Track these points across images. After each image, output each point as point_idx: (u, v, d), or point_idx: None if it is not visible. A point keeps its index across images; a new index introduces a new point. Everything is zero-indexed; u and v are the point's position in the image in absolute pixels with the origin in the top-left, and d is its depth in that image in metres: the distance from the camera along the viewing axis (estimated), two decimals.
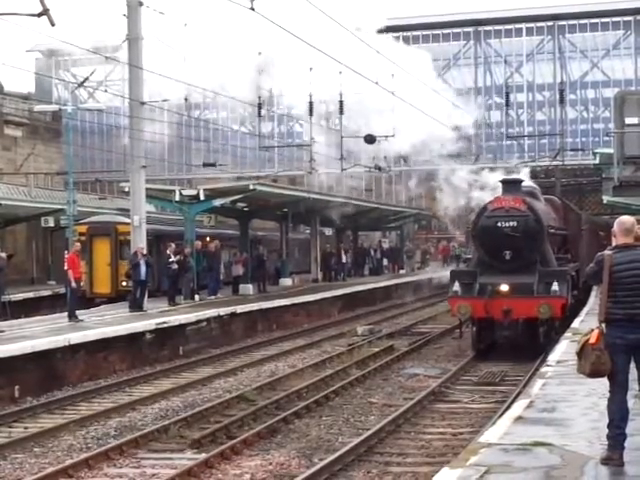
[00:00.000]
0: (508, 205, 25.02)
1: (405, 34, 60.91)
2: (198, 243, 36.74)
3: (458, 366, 23.39)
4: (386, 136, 38.99)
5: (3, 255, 23.62)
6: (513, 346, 24.91)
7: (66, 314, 27.49)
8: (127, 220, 33.14)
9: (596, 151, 43.46)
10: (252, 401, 19.41)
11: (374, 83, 29.63)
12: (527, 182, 29.09)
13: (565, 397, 13.52)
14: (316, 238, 48.94)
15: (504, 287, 24.32)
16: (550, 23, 63.29)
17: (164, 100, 34.30)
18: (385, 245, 65.00)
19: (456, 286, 25.02)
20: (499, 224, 24.91)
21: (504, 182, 26.68)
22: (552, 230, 26.76)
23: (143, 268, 29.91)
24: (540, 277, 24.45)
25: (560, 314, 24.32)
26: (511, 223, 24.83)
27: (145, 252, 30.61)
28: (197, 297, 34.47)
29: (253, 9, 19.73)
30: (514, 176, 29.01)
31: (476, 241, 25.90)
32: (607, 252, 9.47)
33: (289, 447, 15.42)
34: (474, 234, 25.93)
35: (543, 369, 16.76)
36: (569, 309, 25.68)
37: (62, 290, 34.20)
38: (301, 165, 49.47)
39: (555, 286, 24.20)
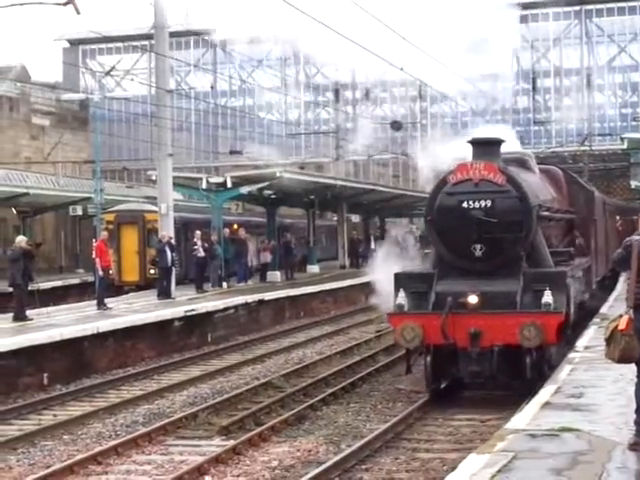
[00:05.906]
0: (478, 176, 17.07)
1: None
2: (227, 230, 36.82)
3: None
4: (412, 122, 38.90)
5: (24, 245, 23.61)
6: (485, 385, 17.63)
7: (94, 302, 27.65)
8: (154, 208, 33.22)
9: (624, 136, 43.18)
10: (280, 388, 19.43)
11: (399, 69, 29.33)
12: (516, 147, 21.87)
13: (593, 383, 13.49)
14: (343, 225, 48.94)
15: (472, 298, 16.68)
16: (577, 7, 62.97)
17: (190, 88, 34.41)
18: (417, 232, 64.86)
19: (401, 297, 17.15)
20: (465, 204, 17.03)
21: (474, 143, 17.96)
22: (547, 212, 18.84)
23: (169, 254, 29.98)
24: (526, 283, 16.80)
25: (555, 338, 16.48)
26: (483, 203, 16.90)
27: (169, 238, 30.53)
28: (225, 284, 34.55)
29: None
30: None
31: (433, 230, 17.75)
32: (635, 237, 9.46)
33: (317, 434, 15.44)
34: (430, 219, 17.84)
35: (571, 355, 16.66)
36: (573, 325, 18.42)
37: (90, 278, 34.33)
38: (328, 152, 49.51)
39: (548, 296, 16.32)
